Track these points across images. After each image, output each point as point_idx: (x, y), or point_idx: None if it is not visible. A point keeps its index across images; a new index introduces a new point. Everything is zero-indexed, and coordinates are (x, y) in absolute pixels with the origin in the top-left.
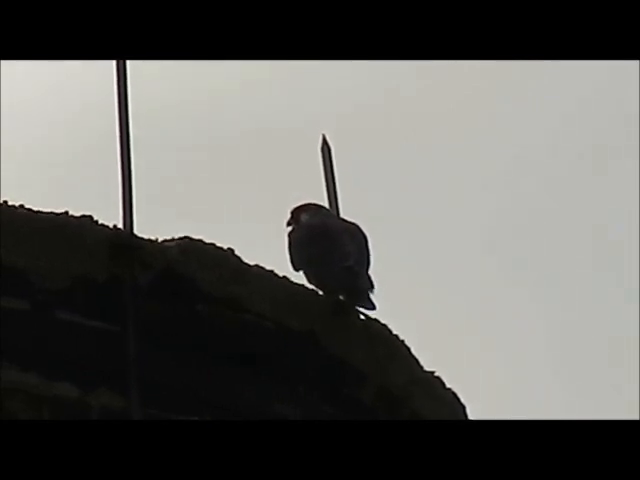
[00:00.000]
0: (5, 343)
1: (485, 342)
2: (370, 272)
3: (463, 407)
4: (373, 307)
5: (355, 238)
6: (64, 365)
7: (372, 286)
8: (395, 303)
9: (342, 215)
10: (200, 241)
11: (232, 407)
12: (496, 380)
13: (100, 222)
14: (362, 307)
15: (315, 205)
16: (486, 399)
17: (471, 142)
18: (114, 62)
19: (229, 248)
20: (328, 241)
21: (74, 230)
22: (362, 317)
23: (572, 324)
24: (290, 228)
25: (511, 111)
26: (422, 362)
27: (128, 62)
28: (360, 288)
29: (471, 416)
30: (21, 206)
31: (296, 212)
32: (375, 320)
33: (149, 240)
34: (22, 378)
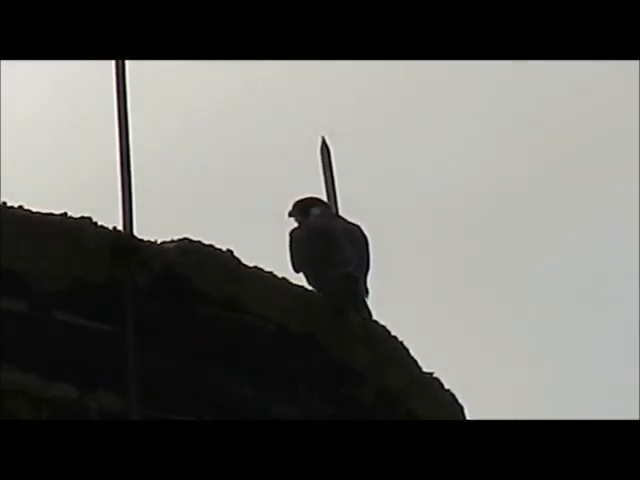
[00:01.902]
0: (5, 344)
1: (485, 343)
2: (369, 274)
3: (461, 408)
4: (370, 316)
5: (356, 242)
6: (64, 366)
7: (367, 292)
8: (394, 304)
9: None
10: (199, 242)
11: (232, 407)
12: (495, 380)
13: (100, 224)
14: (359, 315)
15: (319, 200)
16: (485, 400)
17: (471, 142)
18: (113, 62)
19: (228, 249)
20: (328, 245)
21: (74, 232)
22: (361, 319)
23: (572, 323)
24: (292, 218)
25: (511, 109)
26: (421, 363)
27: (127, 62)
28: (358, 296)
29: (469, 417)
30: (20, 207)
31: (302, 205)
32: (374, 321)
33: (148, 241)
34: (22, 379)
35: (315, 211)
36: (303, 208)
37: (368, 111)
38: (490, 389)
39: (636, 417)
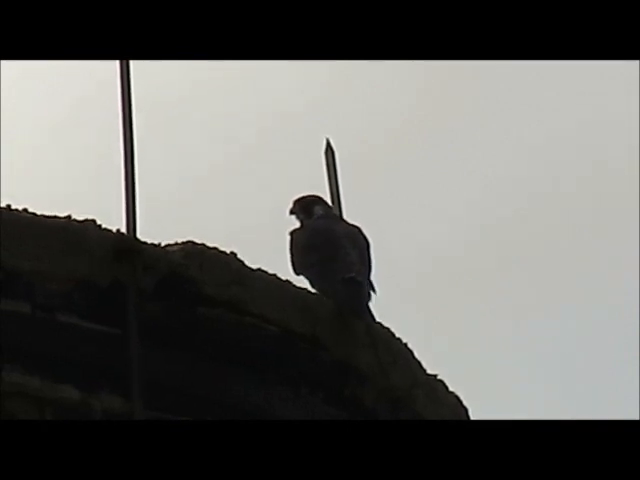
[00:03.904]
0: (8, 346)
1: (486, 343)
2: (372, 276)
3: (466, 410)
4: (373, 319)
5: (358, 245)
6: (67, 368)
7: (374, 290)
8: (397, 306)
9: (345, 217)
10: (203, 245)
11: (235, 408)
12: (498, 382)
13: (103, 226)
14: (362, 320)
15: (320, 198)
16: (489, 401)
17: (473, 141)
18: (117, 63)
19: (232, 252)
20: (332, 249)
21: (77, 234)
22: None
23: (572, 323)
24: (293, 216)
25: (519, 111)
26: (425, 365)
27: (132, 62)
28: (362, 300)
29: (473, 418)
30: (24, 210)
31: (303, 203)
32: (378, 323)
33: (152, 244)
34: (25, 380)
35: (318, 210)
36: (305, 206)
37: (372, 113)
38: (493, 390)
39: (636, 417)
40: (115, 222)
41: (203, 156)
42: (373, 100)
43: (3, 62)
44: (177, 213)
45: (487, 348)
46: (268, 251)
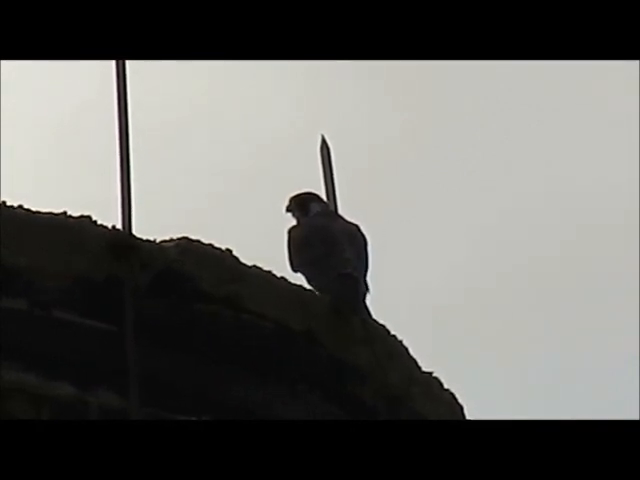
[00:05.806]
0: (5, 343)
1: (485, 343)
2: (368, 273)
3: (461, 407)
4: (369, 315)
5: (355, 242)
6: (63, 365)
7: (368, 290)
8: (392, 302)
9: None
10: (198, 241)
11: (232, 406)
12: (495, 380)
13: (99, 222)
14: (358, 316)
15: (316, 196)
16: (484, 399)
17: (473, 141)
18: (113, 62)
19: (227, 248)
20: (329, 246)
21: (73, 230)
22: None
23: (572, 324)
24: (289, 214)
25: (519, 112)
26: (420, 363)
27: (127, 62)
28: (357, 296)
29: (469, 416)
30: (20, 206)
31: (300, 200)
32: (374, 320)
33: (148, 240)
34: (21, 378)
35: (315, 207)
36: (301, 203)
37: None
38: (490, 389)
39: (636, 417)
40: (111, 219)
41: (198, 154)
42: (373, 100)
43: (3, 62)
44: (172, 209)
45: (486, 347)
46: (264, 248)
